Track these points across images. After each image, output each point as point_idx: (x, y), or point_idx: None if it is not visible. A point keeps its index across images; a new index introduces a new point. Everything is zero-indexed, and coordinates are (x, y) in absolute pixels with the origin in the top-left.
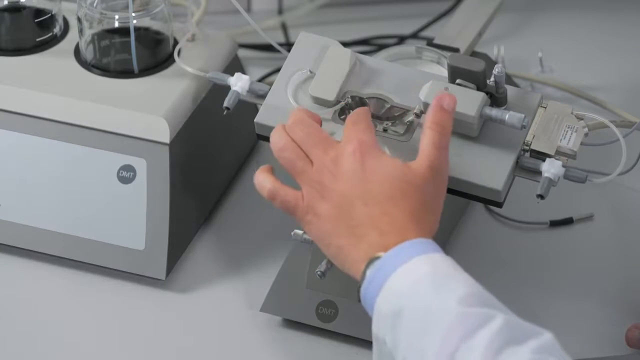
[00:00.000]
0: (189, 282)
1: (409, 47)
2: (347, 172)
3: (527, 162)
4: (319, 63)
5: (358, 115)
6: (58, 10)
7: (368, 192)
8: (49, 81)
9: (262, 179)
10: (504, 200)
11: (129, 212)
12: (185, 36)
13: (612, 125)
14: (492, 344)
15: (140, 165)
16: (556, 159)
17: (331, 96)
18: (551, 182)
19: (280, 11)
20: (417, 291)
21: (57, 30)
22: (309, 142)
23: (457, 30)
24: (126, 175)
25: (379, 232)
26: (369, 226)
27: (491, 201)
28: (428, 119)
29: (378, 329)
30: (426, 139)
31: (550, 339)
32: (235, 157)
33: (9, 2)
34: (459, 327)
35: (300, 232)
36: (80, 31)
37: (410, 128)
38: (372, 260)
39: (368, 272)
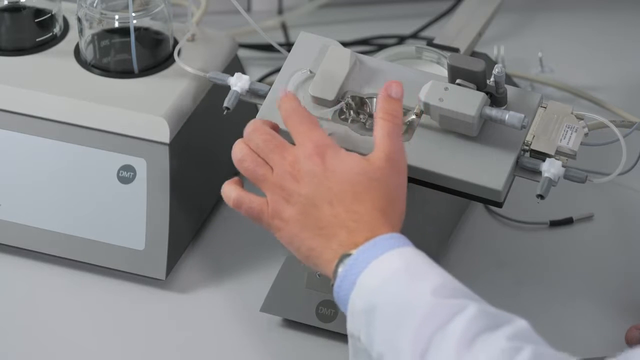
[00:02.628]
0: (189, 282)
1: (409, 47)
2: (308, 174)
3: (527, 162)
4: (319, 63)
5: (299, 113)
6: (58, 10)
7: (331, 191)
8: (49, 81)
9: (227, 190)
10: (504, 200)
11: (129, 212)
12: (185, 36)
13: (612, 125)
14: (467, 332)
15: (140, 165)
16: (556, 159)
17: (331, 96)
18: (551, 182)
19: (280, 11)
20: (389, 286)
21: (57, 30)
22: (267, 149)
23: (457, 30)
24: (126, 175)
25: (347, 230)
26: (337, 226)
27: (491, 201)
28: (378, 109)
29: (352, 326)
30: (379, 129)
31: (524, 325)
32: None
33: (9, 2)
34: (432, 317)
35: None
36: (80, 31)
37: (410, 128)
38: (342, 258)
39: (340, 270)
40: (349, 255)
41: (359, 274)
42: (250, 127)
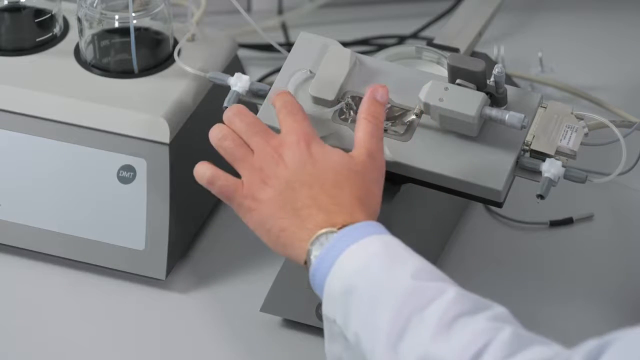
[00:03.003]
0: (189, 282)
1: (409, 47)
2: (292, 160)
3: (527, 162)
4: (319, 63)
5: (291, 105)
6: (58, 10)
7: (313, 177)
8: (49, 81)
9: (201, 168)
10: (504, 200)
11: (129, 212)
12: (185, 36)
13: (612, 125)
14: (445, 314)
15: (140, 165)
16: (556, 159)
17: (331, 96)
18: (551, 182)
19: (280, 11)
20: (368, 268)
21: (57, 30)
22: (250, 132)
23: (457, 30)
24: (126, 175)
25: (325, 212)
26: (315, 207)
27: (491, 201)
28: (362, 110)
29: (328, 308)
30: (361, 129)
31: (504, 310)
32: None
33: (9, 2)
34: (411, 299)
35: None
36: (80, 31)
37: (410, 128)
38: (318, 237)
39: (317, 253)
40: (325, 234)
41: (338, 256)
42: (231, 111)
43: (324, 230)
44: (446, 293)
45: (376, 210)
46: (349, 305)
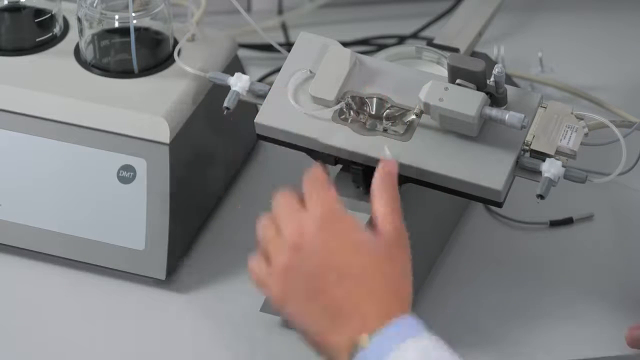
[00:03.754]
0: (189, 282)
1: (409, 47)
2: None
3: (527, 162)
4: (319, 63)
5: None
6: (58, 10)
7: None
8: (49, 81)
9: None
10: (504, 200)
11: (129, 212)
12: (185, 36)
13: (612, 125)
14: None
15: (140, 165)
16: (556, 159)
17: (331, 96)
18: (551, 182)
19: (280, 11)
20: None
21: (57, 30)
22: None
23: (457, 30)
24: (126, 175)
25: (359, 313)
26: (348, 307)
27: (491, 201)
28: (377, 187)
29: None
30: (382, 204)
31: None
32: (235, 157)
33: (9, 2)
34: None
35: None
36: (80, 31)
37: (410, 128)
38: (356, 348)
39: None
40: (362, 346)
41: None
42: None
43: (359, 341)
44: None
45: (410, 292)
46: None
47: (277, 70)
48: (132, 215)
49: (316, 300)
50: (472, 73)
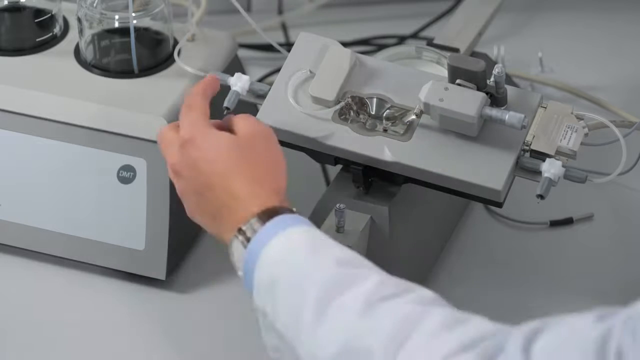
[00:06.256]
0: (189, 282)
1: (409, 47)
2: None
3: (527, 162)
4: (319, 63)
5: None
6: (58, 10)
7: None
8: (49, 81)
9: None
10: (504, 200)
11: (129, 212)
12: (185, 36)
13: (612, 125)
14: (369, 298)
15: (140, 165)
16: (556, 159)
17: (331, 96)
18: (551, 182)
19: (280, 11)
20: (293, 257)
21: (57, 30)
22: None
23: (457, 30)
24: (126, 175)
25: (239, 205)
26: (226, 207)
27: (491, 201)
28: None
29: (259, 301)
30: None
31: (431, 294)
32: None
33: (9, 2)
34: (334, 285)
35: None
36: (80, 31)
37: (410, 128)
38: (240, 233)
39: (247, 248)
40: (244, 231)
41: (262, 248)
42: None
43: (242, 227)
44: (370, 278)
45: (283, 184)
46: (276, 296)
47: (277, 70)
48: (132, 215)
49: (201, 206)
50: (472, 73)
